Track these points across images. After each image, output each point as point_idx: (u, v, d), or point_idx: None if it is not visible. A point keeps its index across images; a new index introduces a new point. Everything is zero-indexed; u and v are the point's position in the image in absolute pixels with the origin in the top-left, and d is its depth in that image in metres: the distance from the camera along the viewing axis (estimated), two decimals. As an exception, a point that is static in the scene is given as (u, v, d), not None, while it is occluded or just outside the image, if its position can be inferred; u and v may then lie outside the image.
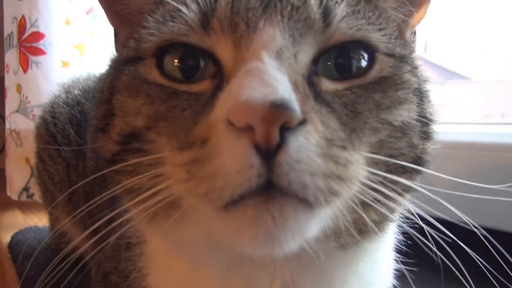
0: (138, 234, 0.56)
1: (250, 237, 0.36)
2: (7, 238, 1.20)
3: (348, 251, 0.45)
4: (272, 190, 0.35)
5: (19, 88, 1.38)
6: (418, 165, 0.44)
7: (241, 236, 0.37)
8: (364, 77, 0.44)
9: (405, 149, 0.43)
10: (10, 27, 1.41)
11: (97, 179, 0.78)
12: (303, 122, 0.35)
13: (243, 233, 0.37)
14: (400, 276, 0.60)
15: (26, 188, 1.40)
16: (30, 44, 1.35)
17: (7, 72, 1.43)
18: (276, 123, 0.33)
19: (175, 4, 0.45)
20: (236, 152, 0.34)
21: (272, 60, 0.38)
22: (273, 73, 0.36)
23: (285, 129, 0.34)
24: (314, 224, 0.39)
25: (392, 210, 0.44)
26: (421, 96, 0.47)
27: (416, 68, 0.49)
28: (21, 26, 1.35)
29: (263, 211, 0.35)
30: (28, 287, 0.91)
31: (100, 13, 1.42)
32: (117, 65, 0.49)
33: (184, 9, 0.44)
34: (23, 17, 1.34)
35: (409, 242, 0.59)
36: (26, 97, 1.36)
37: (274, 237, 0.36)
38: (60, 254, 1.00)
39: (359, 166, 0.38)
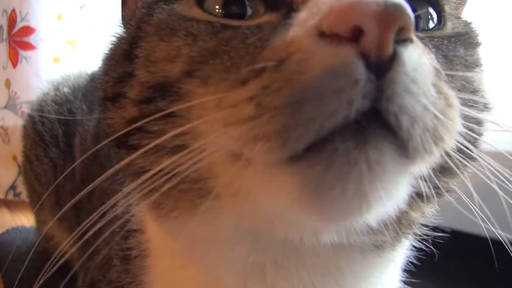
0: (141, 246, 0.50)
1: (335, 195, 0.28)
2: (-6, 237, 1.17)
3: (381, 254, 0.40)
4: (367, 130, 0.27)
5: (8, 83, 1.34)
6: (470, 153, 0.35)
7: (320, 195, 0.28)
8: (441, 30, 0.39)
9: (470, 123, 0.35)
10: (0, 21, 1.37)
11: (86, 183, 0.75)
12: (410, 39, 0.28)
13: (324, 190, 0.28)
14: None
15: (13, 187, 1.36)
16: (20, 39, 1.31)
17: (-4, 66, 1.39)
18: (393, 26, 0.26)
19: None
20: (337, 63, 0.26)
21: None
22: None
23: (396, 41, 0.27)
24: (405, 187, 0.31)
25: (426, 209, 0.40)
26: None
27: None
28: (12, 19, 1.32)
29: (359, 157, 0.27)
30: (12, 290, 0.88)
31: (93, 8, 1.38)
32: (144, 11, 0.41)
33: None
34: (13, 10, 1.31)
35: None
36: (15, 93, 1.33)
37: (364, 196, 0.28)
38: (45, 256, 0.97)
39: (458, 115, 0.31)
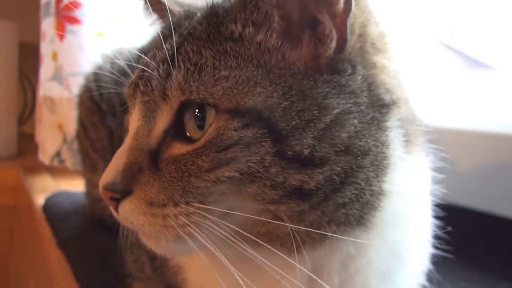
0: None
1: None
2: (40, 201, 1.25)
3: (322, 245, 0.49)
4: None
5: (54, 56, 1.40)
6: (301, 194, 0.46)
7: None
8: (198, 141, 0.47)
9: (266, 189, 0.45)
10: (48, -5, 1.43)
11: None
12: (129, 192, 0.48)
13: None
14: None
15: (58, 154, 1.44)
16: (67, 13, 1.37)
17: (44, 40, 1.45)
18: (107, 197, 0.49)
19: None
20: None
21: (130, 142, 0.50)
22: (115, 161, 0.49)
23: (117, 198, 0.49)
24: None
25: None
26: (286, 131, 0.45)
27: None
28: (59, -6, 1.37)
29: None
30: (65, 247, 0.96)
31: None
32: None
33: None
34: (61, -15, 1.36)
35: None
36: (62, 65, 1.39)
37: None
38: (94, 217, 1.04)
39: (181, 215, 0.47)
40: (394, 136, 0.50)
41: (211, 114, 0.46)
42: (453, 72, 1.37)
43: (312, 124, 0.45)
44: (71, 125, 1.38)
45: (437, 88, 1.27)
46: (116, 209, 0.49)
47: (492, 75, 1.32)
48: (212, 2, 0.53)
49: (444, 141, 0.61)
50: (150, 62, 0.50)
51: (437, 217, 0.61)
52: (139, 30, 1.27)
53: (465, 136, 1.00)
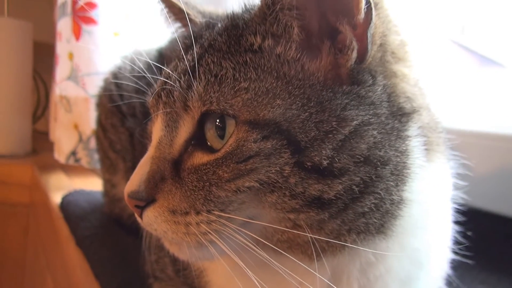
0: None
1: None
2: (56, 199, 1.27)
3: (342, 253, 0.49)
4: None
5: (71, 56, 1.42)
6: (320, 204, 0.46)
7: None
8: (219, 152, 0.47)
9: (286, 198, 0.45)
10: (64, -4, 1.44)
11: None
12: (152, 200, 0.49)
13: None
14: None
15: (74, 153, 1.46)
16: (83, 13, 1.38)
17: (60, 40, 1.47)
18: (132, 205, 0.50)
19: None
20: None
21: (153, 152, 0.51)
22: (139, 170, 0.51)
23: (141, 206, 0.50)
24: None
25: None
26: (303, 143, 0.45)
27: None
28: (75, -5, 1.38)
29: None
30: (84, 246, 0.97)
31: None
32: None
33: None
34: (77, -14, 1.37)
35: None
36: (78, 65, 1.40)
37: None
38: (111, 216, 1.05)
39: (203, 223, 0.48)
40: (414, 145, 0.50)
41: (231, 125, 0.46)
42: (463, 70, 1.36)
43: (331, 136, 0.45)
44: (87, 125, 1.40)
45: (448, 86, 1.26)
46: (141, 216, 0.50)
47: (503, 73, 1.31)
48: (233, 13, 0.54)
49: (458, 143, 0.61)
50: (171, 74, 0.51)
51: (457, 222, 0.61)
52: (155, 30, 1.29)
53: (480, 137, 1.00)
